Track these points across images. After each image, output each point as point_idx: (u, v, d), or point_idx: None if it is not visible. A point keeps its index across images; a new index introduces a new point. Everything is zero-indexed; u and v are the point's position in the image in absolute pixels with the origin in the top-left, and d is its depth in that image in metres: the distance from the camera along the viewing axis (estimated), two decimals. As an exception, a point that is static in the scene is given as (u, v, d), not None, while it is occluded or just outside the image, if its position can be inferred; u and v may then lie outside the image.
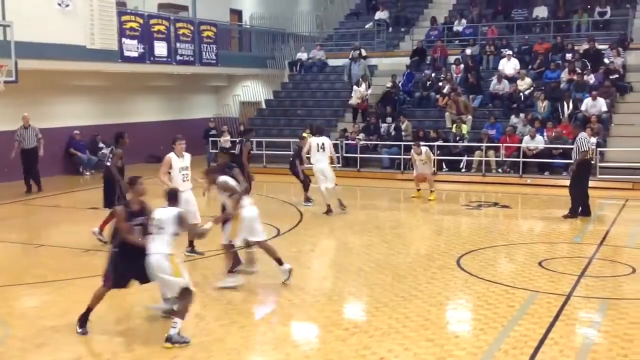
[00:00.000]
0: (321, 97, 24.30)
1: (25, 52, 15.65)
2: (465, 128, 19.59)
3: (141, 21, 20.62)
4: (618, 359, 6.55)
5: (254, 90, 26.42)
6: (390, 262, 10.34)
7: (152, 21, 21.15)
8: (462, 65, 22.44)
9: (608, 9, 23.94)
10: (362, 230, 12.86)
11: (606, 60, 20.89)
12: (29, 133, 17.24)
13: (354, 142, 20.20)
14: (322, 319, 7.85)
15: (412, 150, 16.09)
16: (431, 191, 15.63)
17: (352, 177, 18.80)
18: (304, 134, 16.25)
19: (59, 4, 17.50)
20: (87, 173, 20.45)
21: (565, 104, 19.25)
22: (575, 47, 21.77)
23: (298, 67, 25.69)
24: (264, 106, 25.25)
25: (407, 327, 7.42)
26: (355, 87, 22.15)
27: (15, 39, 15.25)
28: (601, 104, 18.83)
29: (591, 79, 20.29)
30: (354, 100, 21.99)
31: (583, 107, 18.97)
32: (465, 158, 18.98)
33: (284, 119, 23.50)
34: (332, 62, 25.48)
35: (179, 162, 10.37)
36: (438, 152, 18.57)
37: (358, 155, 19.94)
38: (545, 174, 18.07)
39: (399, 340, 7.04)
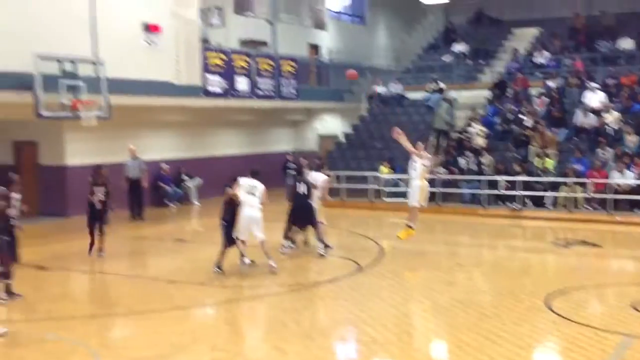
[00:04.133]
0: (401, 129, 24.15)
1: (115, 88, 16.31)
2: (550, 162, 19.05)
3: (224, 57, 21.20)
4: None
5: (332, 124, 26.62)
6: (474, 300, 10.08)
7: (234, 57, 21.71)
8: (545, 98, 21.94)
9: None
10: (444, 267, 12.63)
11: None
12: (135, 164, 18.07)
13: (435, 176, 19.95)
14: (405, 358, 7.71)
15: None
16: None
17: (433, 213, 18.54)
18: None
19: (147, 42, 18.20)
20: (173, 205, 21.01)
21: (656, 137, 18.48)
22: (666, 79, 20.95)
23: (376, 100, 25.75)
24: (342, 139, 25.39)
25: (495, 370, 7.20)
26: (472, 128, 21.27)
27: (106, 76, 15.93)
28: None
29: (685, 111, 19.44)
30: (480, 142, 20.92)
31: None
32: (551, 194, 18.41)
33: (362, 151, 23.51)
34: (410, 95, 25.42)
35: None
36: (522, 186, 18.13)
37: (438, 190, 19.63)
38: (636, 211, 17.32)
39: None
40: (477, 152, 20.40)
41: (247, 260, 11.87)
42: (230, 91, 21.33)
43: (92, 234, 13.13)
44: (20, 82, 14.61)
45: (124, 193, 17.94)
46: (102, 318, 9.64)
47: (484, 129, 21.01)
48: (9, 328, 8.74)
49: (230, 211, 11.64)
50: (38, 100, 14.62)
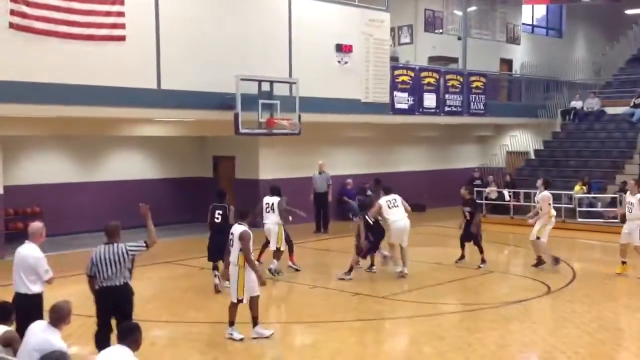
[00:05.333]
0: (597, 147, 22.76)
1: (307, 106, 17.03)
2: None
3: (412, 74, 21.31)
4: None
5: (522, 140, 25.67)
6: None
7: (422, 74, 21.75)
8: None
9: None
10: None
11: None
12: (322, 178, 18.83)
13: None
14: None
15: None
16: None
17: None
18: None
19: (339, 62, 18.82)
20: (356, 219, 21.35)
21: None
22: None
23: (572, 115, 24.45)
24: (532, 156, 24.38)
25: None
26: None
27: (299, 95, 16.70)
28: None
29: None
30: None
31: None
32: None
33: (554, 170, 22.40)
34: (610, 111, 23.82)
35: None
36: None
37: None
38: None
39: None
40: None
41: (398, 269, 12.81)
42: (417, 107, 21.39)
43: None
44: (223, 102, 15.74)
45: (311, 206, 18.58)
46: (290, 325, 10.06)
47: None
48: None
49: (373, 233, 12.61)
50: (238, 118, 15.63)
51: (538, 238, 13.28)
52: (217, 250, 10.92)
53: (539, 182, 14.00)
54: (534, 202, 14.61)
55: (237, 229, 8.88)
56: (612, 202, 18.92)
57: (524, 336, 9.26)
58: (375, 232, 12.67)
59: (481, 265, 13.50)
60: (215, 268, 11.65)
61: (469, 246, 13.86)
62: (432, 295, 11.57)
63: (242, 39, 16.33)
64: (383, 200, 12.83)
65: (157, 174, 20.31)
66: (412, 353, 8.71)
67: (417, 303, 11.03)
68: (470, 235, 13.69)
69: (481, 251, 13.64)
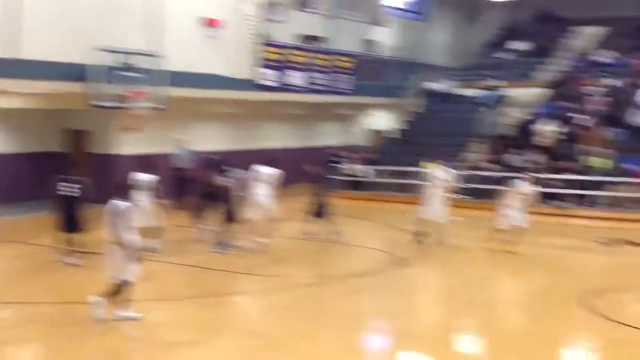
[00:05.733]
0: (452, 126, 24.03)
1: (170, 80, 16.80)
2: (604, 162, 18.64)
3: (281, 52, 21.51)
4: None
5: (384, 119, 26.64)
6: (511, 297, 10.10)
7: (290, 52, 21.99)
8: (602, 98, 21.44)
9: None
10: (486, 264, 12.58)
11: None
12: (184, 154, 18.37)
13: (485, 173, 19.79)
14: (437, 352, 7.79)
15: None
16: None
17: (479, 210, 18.37)
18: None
19: (207, 36, 18.65)
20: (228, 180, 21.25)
21: None
22: None
23: (432, 96, 25.67)
24: (393, 135, 25.38)
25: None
26: (542, 127, 21.00)
27: (162, 68, 16.47)
28: None
29: None
30: (548, 141, 20.58)
31: None
32: (602, 193, 18.03)
33: (414, 148, 23.42)
34: (464, 92, 25.22)
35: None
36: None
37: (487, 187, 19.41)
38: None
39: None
40: (531, 150, 20.13)
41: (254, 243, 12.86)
42: (283, 85, 21.62)
43: None
44: (80, 73, 15.24)
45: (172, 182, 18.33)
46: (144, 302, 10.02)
47: (556, 128, 20.63)
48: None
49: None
50: (93, 90, 15.19)
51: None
52: (67, 222, 10.86)
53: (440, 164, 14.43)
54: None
55: (117, 204, 8.52)
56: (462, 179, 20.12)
57: (370, 306, 9.76)
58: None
59: (331, 237, 13.85)
60: (67, 242, 11.38)
61: (321, 220, 14.18)
62: (287, 268, 11.89)
63: (107, 10, 15.93)
64: (246, 175, 12.97)
65: (9, 148, 19.29)
66: (267, 326, 8.92)
67: (273, 277, 11.25)
68: (319, 209, 14.13)
69: (329, 224, 13.98)
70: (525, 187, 13.29)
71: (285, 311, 9.27)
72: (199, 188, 13.42)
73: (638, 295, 10.48)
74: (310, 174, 14.39)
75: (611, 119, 20.42)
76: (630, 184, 17.68)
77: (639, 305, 10.12)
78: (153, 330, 8.46)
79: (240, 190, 12.86)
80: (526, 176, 13.62)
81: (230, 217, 12.75)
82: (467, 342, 8.39)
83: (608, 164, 18.61)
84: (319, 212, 14.18)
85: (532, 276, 11.99)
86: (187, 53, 17.78)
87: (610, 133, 19.91)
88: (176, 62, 17.03)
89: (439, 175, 13.84)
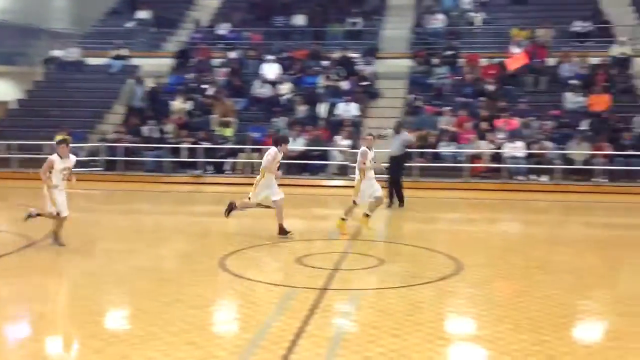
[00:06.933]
0: (79, 97, 23.06)
1: None
2: (229, 131, 19.87)
3: None
4: (366, 345, 7.06)
5: (1, 89, 24.35)
6: (153, 267, 10.16)
7: None
8: (226, 69, 22.71)
9: (359, 20, 25.76)
10: (123, 236, 12.46)
11: (358, 68, 22.47)
12: None
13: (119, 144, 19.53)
14: (77, 331, 7.47)
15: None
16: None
17: (117, 182, 18.15)
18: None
19: None
20: None
21: (322, 108, 20.39)
22: (331, 55, 23.12)
23: (53, 64, 24.16)
24: (14, 106, 23.36)
25: (168, 332, 7.33)
26: (174, 103, 20.73)
27: None
28: (353, 109, 20.24)
29: (345, 85, 21.70)
30: (175, 115, 20.52)
31: (338, 111, 20.24)
32: (230, 160, 19.26)
33: (37, 120, 21.91)
34: (91, 61, 24.35)
35: (61, 164, 10.71)
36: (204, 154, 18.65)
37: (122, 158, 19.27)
38: (304, 174, 18.98)
39: (159, 347, 6.92)
40: (159, 120, 20.44)
41: None
42: None
43: None
44: None
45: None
46: None
47: (184, 102, 20.99)
48: None
49: None
50: None
51: None
52: None
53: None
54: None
55: None
56: (94, 152, 19.58)
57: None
58: None
59: None
60: None
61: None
62: None
63: None
64: None
65: None
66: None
67: None
68: None
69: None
70: None
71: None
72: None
73: (269, 254, 11.49)
74: None
75: (235, 89, 21.79)
76: (256, 150, 19.16)
77: (269, 262, 11.08)
78: None
79: None
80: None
81: None
82: (108, 317, 8.25)
83: (233, 132, 19.91)
84: None
85: (173, 245, 12.30)
86: None
87: (235, 103, 21.25)
88: None
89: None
